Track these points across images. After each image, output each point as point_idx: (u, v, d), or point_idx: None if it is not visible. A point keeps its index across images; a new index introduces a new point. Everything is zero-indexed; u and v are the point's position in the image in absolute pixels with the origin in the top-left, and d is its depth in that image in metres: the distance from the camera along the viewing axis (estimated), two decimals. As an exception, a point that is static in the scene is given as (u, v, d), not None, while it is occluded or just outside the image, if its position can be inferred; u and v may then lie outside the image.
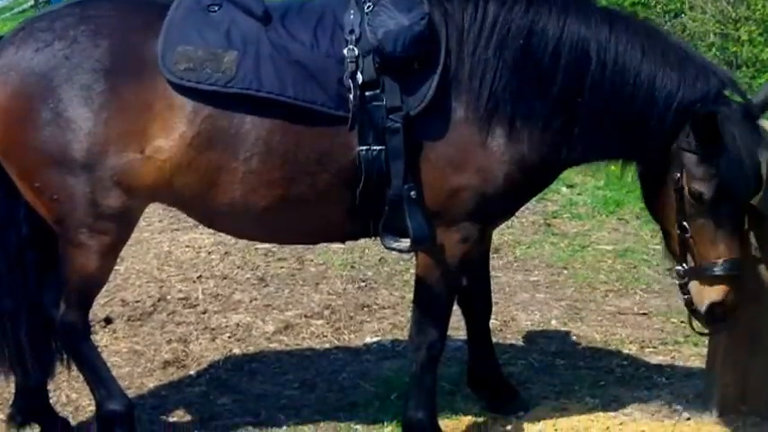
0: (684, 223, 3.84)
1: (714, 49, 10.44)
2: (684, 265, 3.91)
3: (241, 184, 3.86)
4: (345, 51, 3.80)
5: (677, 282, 3.98)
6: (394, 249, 3.97)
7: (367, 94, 3.78)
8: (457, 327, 5.18)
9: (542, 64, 3.85)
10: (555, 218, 7.51)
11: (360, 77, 3.78)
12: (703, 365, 4.80)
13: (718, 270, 3.82)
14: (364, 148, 3.81)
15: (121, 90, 3.83)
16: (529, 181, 4.01)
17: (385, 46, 3.77)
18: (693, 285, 3.91)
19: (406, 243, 3.89)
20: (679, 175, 3.80)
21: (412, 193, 3.83)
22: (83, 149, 3.82)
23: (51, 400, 4.55)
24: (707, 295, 3.87)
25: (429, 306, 4.18)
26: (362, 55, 3.79)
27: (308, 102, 3.80)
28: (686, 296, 3.95)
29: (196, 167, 3.84)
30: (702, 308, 3.90)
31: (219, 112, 3.82)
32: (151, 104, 3.82)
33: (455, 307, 4.43)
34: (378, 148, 3.80)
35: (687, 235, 3.85)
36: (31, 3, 22.75)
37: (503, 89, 3.85)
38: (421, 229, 3.85)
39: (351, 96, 3.77)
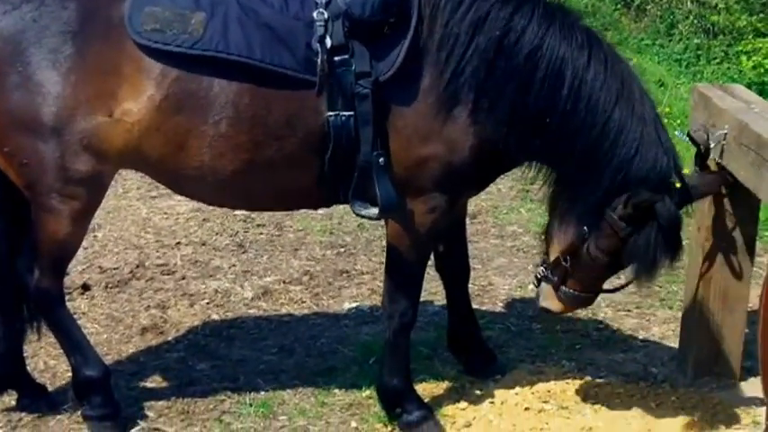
0: (567, 257, 4.01)
1: (691, 17, 10.47)
2: (547, 269, 4.14)
3: (210, 148, 3.84)
4: (315, 15, 3.77)
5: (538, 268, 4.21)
6: (363, 216, 3.98)
7: (336, 58, 3.76)
8: (434, 291, 5.22)
9: (514, 63, 3.81)
10: (532, 184, 7.48)
11: (328, 41, 3.75)
12: (678, 329, 4.84)
13: (572, 297, 4.14)
14: (333, 113, 3.80)
15: (90, 52, 3.80)
16: (491, 161, 4.02)
17: (354, 10, 3.74)
18: (545, 286, 4.18)
19: (374, 210, 3.90)
20: (587, 230, 3.91)
21: (381, 159, 3.82)
22: (52, 113, 3.79)
23: (29, 367, 4.55)
24: (550, 302, 4.20)
25: (399, 275, 4.20)
26: (332, 19, 3.76)
27: (275, 65, 3.78)
28: (539, 280, 4.20)
29: (165, 131, 3.82)
30: (539, 305, 4.25)
31: (188, 75, 3.79)
32: (119, 67, 3.80)
33: (434, 272, 4.46)
34: (346, 113, 3.79)
35: (565, 264, 4.03)
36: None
37: (469, 70, 3.82)
38: (389, 197, 3.85)
39: (318, 60, 3.75)
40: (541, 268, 4.17)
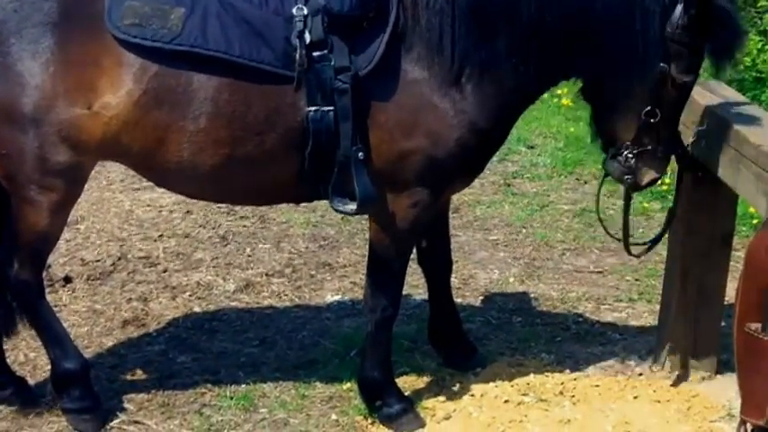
0: (657, 110, 3.87)
1: None
2: (637, 148, 3.97)
3: (189, 143, 3.84)
4: (294, 10, 3.77)
5: (625, 164, 4.00)
6: (342, 212, 3.99)
7: (315, 53, 3.76)
8: (416, 284, 5.24)
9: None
10: (515, 178, 7.55)
11: (307, 37, 3.75)
12: (656, 322, 4.88)
13: (670, 150, 4.03)
14: (312, 108, 3.79)
15: (70, 45, 3.79)
16: (477, 150, 4.02)
17: (333, 4, 3.74)
18: (643, 166, 4.00)
19: (352, 206, 3.90)
20: (666, 65, 3.80)
21: (360, 154, 3.82)
22: (31, 104, 3.78)
23: (8, 360, 4.55)
24: (655, 171, 4.02)
25: (381, 269, 4.21)
26: (311, 14, 3.76)
27: (254, 60, 3.77)
28: (628, 177, 4.02)
29: (144, 125, 3.82)
30: (645, 183, 4.07)
31: (166, 70, 3.78)
32: (99, 60, 3.79)
33: (415, 265, 4.47)
34: (326, 108, 3.78)
35: (655, 120, 3.88)
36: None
37: (462, 36, 3.83)
38: (367, 192, 3.85)
39: (297, 56, 3.75)
40: (624, 155, 3.99)
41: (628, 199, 4.32)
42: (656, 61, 3.80)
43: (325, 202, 4.08)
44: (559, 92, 9.43)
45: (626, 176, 4.02)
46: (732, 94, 4.47)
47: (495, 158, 4.77)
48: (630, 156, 3.97)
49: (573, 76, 4.05)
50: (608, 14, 3.77)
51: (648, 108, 3.87)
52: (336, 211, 4.00)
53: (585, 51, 3.86)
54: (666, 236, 4.54)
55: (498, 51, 3.86)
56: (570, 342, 5.06)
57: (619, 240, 4.51)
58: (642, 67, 3.81)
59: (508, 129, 4.19)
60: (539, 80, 4.04)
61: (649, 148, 3.96)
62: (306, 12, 3.76)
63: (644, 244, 4.50)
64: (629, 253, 4.45)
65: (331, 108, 3.79)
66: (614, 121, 4.00)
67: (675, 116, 4.00)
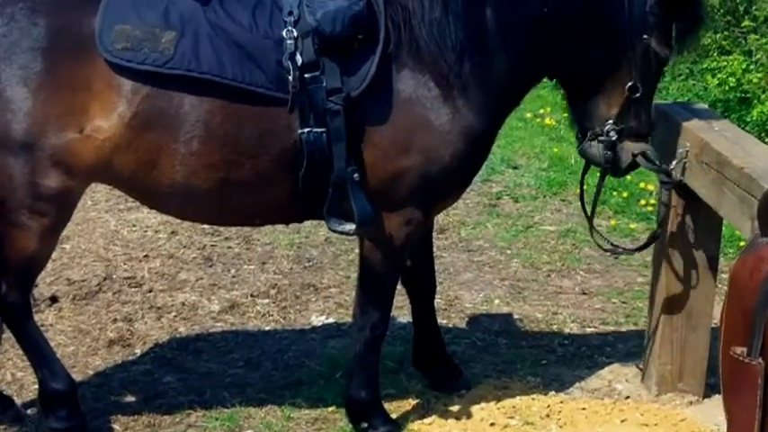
0: (639, 85, 3.95)
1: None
2: (620, 125, 4.02)
3: (182, 166, 3.84)
4: (284, 33, 3.79)
5: (607, 142, 4.04)
6: (339, 232, 3.99)
7: (306, 75, 3.78)
8: (401, 306, 5.24)
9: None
10: (499, 199, 7.56)
11: (299, 59, 3.77)
12: (642, 345, 4.89)
13: (648, 129, 4.09)
14: (306, 130, 3.80)
15: (60, 69, 3.79)
16: (474, 152, 4.06)
17: (324, 26, 3.76)
18: (625, 142, 4.05)
19: (350, 226, 3.90)
20: (647, 36, 3.89)
21: (355, 175, 3.83)
22: (22, 129, 3.78)
23: (-5, 379, 4.56)
24: (636, 147, 4.06)
25: (372, 287, 4.21)
26: (301, 36, 3.78)
27: (247, 83, 3.78)
28: (607, 153, 4.05)
29: (135, 148, 3.82)
30: (627, 160, 4.08)
31: (158, 93, 3.79)
32: (90, 84, 3.79)
33: (400, 286, 4.47)
34: (319, 130, 3.80)
35: (637, 95, 3.97)
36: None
37: (460, 43, 3.88)
38: (365, 212, 3.86)
39: (290, 78, 3.76)
40: (606, 131, 4.03)
41: (602, 180, 4.33)
42: (641, 34, 3.90)
43: (310, 224, 4.09)
44: (542, 111, 9.50)
45: (606, 153, 4.05)
46: (714, 116, 4.51)
47: (479, 179, 4.80)
48: (613, 133, 4.02)
49: (563, 67, 4.12)
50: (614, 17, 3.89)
51: (632, 83, 3.95)
52: (333, 231, 4.00)
53: (577, 39, 3.95)
54: (652, 258, 4.55)
55: (491, 55, 3.93)
56: (556, 365, 5.05)
57: (605, 251, 4.56)
58: (631, 41, 3.91)
59: (497, 132, 4.23)
60: (530, 78, 4.14)
61: (631, 125, 4.03)
62: (296, 34, 3.78)
63: (623, 251, 4.68)
64: (596, 242, 4.49)
65: (324, 129, 3.80)
66: (597, 98, 4.06)
67: (652, 93, 4.10)
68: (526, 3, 3.88)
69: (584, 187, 4.44)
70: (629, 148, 4.05)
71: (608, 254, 4.74)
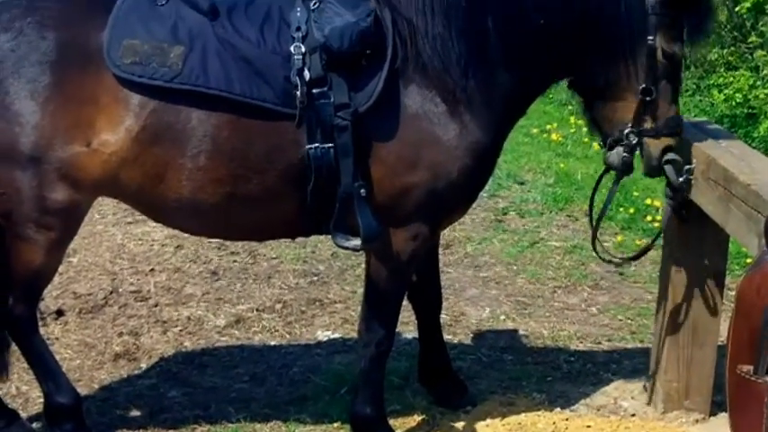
0: (652, 87, 3.89)
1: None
2: (638, 128, 3.96)
3: (189, 180, 3.85)
4: (292, 48, 3.80)
5: (626, 143, 3.99)
6: (345, 248, 3.98)
7: (314, 91, 3.78)
8: (407, 321, 5.24)
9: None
10: (505, 214, 7.56)
11: (307, 74, 3.78)
12: (648, 362, 4.88)
13: (674, 125, 3.99)
14: (313, 145, 3.81)
15: (68, 83, 3.80)
16: (481, 167, 4.05)
17: (332, 42, 3.77)
18: (649, 143, 3.98)
19: (356, 241, 3.90)
20: (652, 38, 3.85)
21: (362, 191, 3.83)
22: (30, 143, 3.79)
23: (1, 392, 4.54)
24: (661, 143, 3.99)
25: (378, 303, 4.21)
26: (309, 52, 3.79)
27: (255, 99, 3.79)
28: (626, 156, 4.00)
29: (142, 162, 3.83)
30: (657, 155, 4.00)
31: (166, 107, 3.80)
32: (97, 98, 3.80)
33: (405, 302, 4.47)
34: (327, 145, 3.80)
35: (651, 98, 3.91)
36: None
37: (463, 57, 3.88)
38: (371, 228, 3.86)
39: (298, 93, 3.77)
40: (626, 134, 3.97)
41: (615, 185, 4.24)
42: (644, 36, 3.86)
43: (316, 238, 4.09)
44: (549, 126, 9.51)
45: (625, 156, 4.00)
46: (721, 132, 4.50)
47: (485, 194, 4.79)
48: (632, 136, 3.97)
49: (567, 75, 4.12)
50: (599, 4, 3.85)
51: (643, 86, 3.90)
52: (340, 247, 3.99)
53: (580, 47, 3.93)
54: (658, 275, 4.54)
55: (494, 68, 3.92)
56: (562, 381, 5.05)
57: (607, 261, 4.57)
58: (633, 45, 3.88)
59: (502, 145, 4.21)
60: (534, 88, 4.13)
61: (651, 126, 3.97)
62: (304, 49, 3.79)
63: (620, 260, 4.67)
64: (595, 251, 4.43)
65: (331, 145, 3.80)
66: (612, 103, 4.01)
67: (672, 94, 4.00)
68: (523, 14, 3.87)
69: (596, 196, 4.42)
70: (656, 145, 3.99)
71: (609, 264, 4.70)
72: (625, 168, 4.07)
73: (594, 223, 4.41)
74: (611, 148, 4.06)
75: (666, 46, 3.88)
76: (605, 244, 6.44)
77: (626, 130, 3.97)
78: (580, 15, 3.87)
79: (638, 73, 3.91)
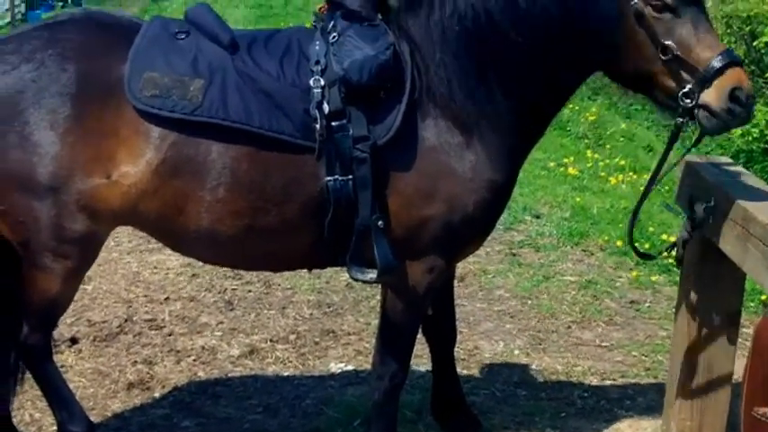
0: (667, 43, 3.72)
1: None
2: (687, 86, 3.75)
3: (207, 212, 3.86)
4: (311, 81, 3.81)
5: (685, 105, 3.76)
6: (361, 280, 3.98)
7: (333, 124, 3.79)
8: (420, 354, 5.23)
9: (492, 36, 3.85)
10: (520, 248, 7.55)
11: (326, 107, 3.79)
12: (662, 399, 4.86)
13: (721, 61, 3.71)
14: (332, 178, 3.81)
15: (88, 115, 3.81)
16: (497, 198, 4.02)
17: (351, 76, 3.78)
18: (705, 92, 3.73)
19: (372, 274, 3.90)
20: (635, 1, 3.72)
21: (380, 223, 3.84)
22: (49, 173, 3.80)
23: (14, 420, 4.55)
24: (726, 83, 3.72)
25: (392, 336, 4.20)
26: (328, 85, 3.80)
27: (274, 131, 3.80)
28: (698, 110, 3.75)
29: (162, 194, 3.84)
30: (726, 97, 3.71)
31: (186, 140, 3.82)
32: (117, 130, 3.82)
33: (419, 335, 4.47)
34: (345, 178, 3.81)
35: (674, 54, 3.72)
36: (8, 20, 22.56)
37: (472, 88, 3.86)
38: (387, 260, 3.86)
39: (317, 126, 3.78)
40: (680, 97, 3.74)
41: (671, 143, 4.01)
42: (629, 3, 3.73)
43: (331, 269, 4.08)
44: (565, 160, 9.50)
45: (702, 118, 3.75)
46: (740, 171, 4.50)
47: (500, 227, 4.78)
48: (686, 99, 3.74)
49: (576, 84, 4.10)
50: (595, 11, 3.75)
51: (659, 47, 3.73)
52: (355, 279, 3.99)
53: (572, 54, 3.86)
54: (674, 312, 4.53)
55: (502, 95, 3.88)
56: (576, 417, 5.03)
57: (640, 255, 4.48)
58: (618, 25, 3.74)
59: (517, 175, 4.17)
60: (546, 110, 4.06)
61: (693, 79, 3.73)
62: (323, 83, 3.81)
63: (650, 256, 4.65)
64: (630, 245, 4.30)
65: (350, 177, 3.81)
66: (647, 82, 3.86)
67: (692, 43, 3.74)
68: (508, 39, 3.80)
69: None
70: (719, 87, 3.70)
71: (643, 259, 4.63)
72: (713, 126, 3.80)
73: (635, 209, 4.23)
74: (677, 124, 3.86)
75: (677, 39, 3.72)
76: (620, 279, 6.48)
77: (679, 93, 3.76)
78: (559, 29, 3.78)
79: (646, 40, 3.75)
